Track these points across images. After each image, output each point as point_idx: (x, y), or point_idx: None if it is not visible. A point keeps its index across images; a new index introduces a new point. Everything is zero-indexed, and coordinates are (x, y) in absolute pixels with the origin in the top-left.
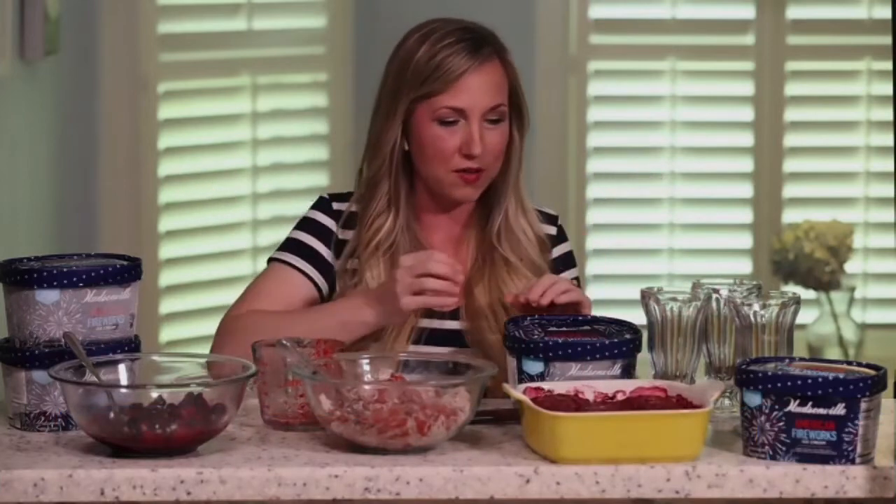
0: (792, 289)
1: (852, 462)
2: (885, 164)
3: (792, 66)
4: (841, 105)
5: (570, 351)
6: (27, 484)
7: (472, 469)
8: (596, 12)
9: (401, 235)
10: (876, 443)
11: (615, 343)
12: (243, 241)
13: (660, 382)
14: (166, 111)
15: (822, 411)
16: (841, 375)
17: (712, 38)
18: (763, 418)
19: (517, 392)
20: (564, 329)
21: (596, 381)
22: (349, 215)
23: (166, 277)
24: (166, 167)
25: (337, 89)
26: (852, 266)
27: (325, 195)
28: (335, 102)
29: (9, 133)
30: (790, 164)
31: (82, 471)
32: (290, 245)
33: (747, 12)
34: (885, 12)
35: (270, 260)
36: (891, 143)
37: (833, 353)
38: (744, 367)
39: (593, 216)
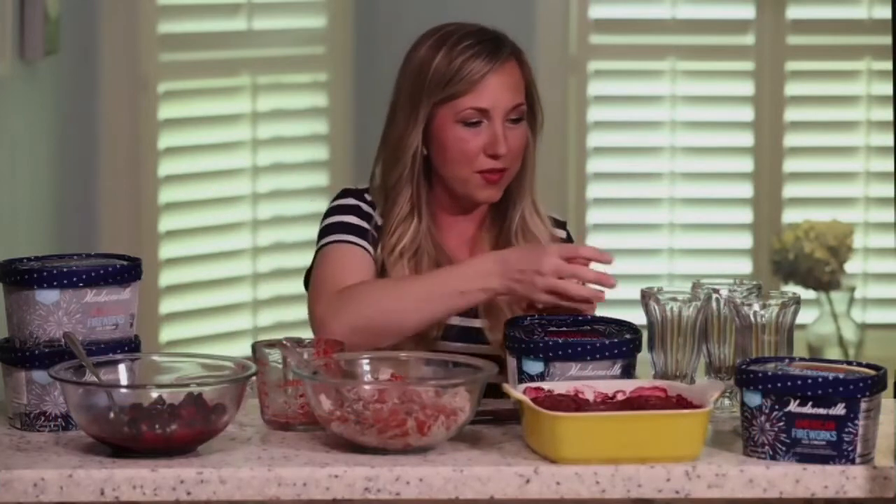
0: (792, 289)
1: (852, 462)
2: (885, 164)
3: (792, 66)
4: (841, 105)
5: (570, 351)
6: (27, 484)
7: (472, 469)
8: (596, 12)
9: (424, 240)
10: (876, 443)
11: (615, 343)
12: (243, 241)
13: (660, 382)
14: (166, 111)
15: (822, 411)
16: (841, 375)
17: (712, 38)
18: (763, 418)
19: (517, 392)
20: (564, 329)
21: (596, 381)
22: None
23: (166, 277)
24: (166, 167)
25: (337, 89)
26: (852, 266)
27: (352, 188)
28: (335, 102)
29: (9, 133)
30: (790, 164)
31: (82, 471)
32: (341, 228)
33: (747, 12)
34: (885, 12)
35: (324, 246)
36: (891, 143)
37: (833, 353)
38: (744, 367)
39: (593, 216)
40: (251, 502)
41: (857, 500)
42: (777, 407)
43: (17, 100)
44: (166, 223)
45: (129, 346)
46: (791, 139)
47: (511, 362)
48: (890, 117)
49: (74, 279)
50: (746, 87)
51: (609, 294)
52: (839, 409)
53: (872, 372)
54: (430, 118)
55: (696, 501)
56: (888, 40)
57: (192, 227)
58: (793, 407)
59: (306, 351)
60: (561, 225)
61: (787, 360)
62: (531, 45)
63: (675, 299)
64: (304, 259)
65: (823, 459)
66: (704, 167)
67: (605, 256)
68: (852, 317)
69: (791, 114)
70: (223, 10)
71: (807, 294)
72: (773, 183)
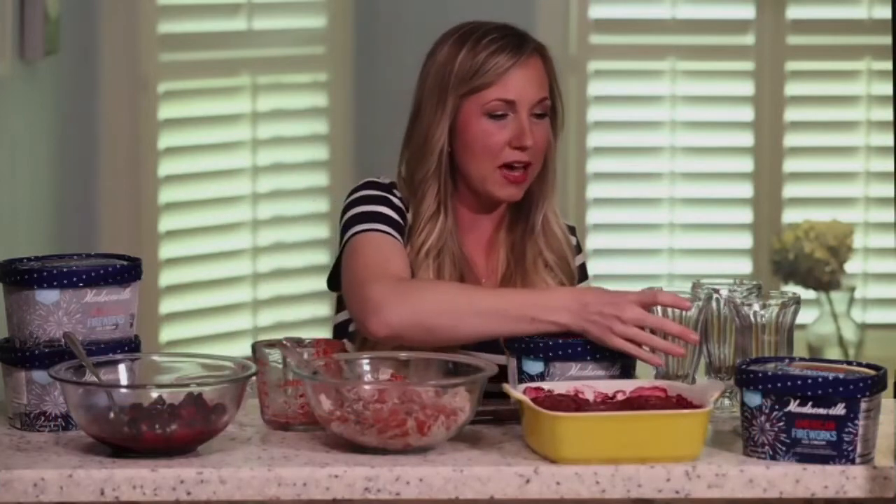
0: (792, 289)
1: (852, 462)
2: (885, 164)
3: (792, 66)
4: (841, 105)
5: (569, 351)
6: (27, 484)
7: (472, 469)
8: (596, 12)
9: (449, 239)
10: (876, 443)
11: None
12: (243, 241)
13: (660, 382)
14: (166, 111)
15: (822, 411)
16: (841, 375)
17: (712, 38)
18: (763, 418)
19: (517, 392)
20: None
21: (596, 381)
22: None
23: (166, 277)
24: (166, 167)
25: (337, 89)
26: (852, 266)
27: (377, 179)
28: (335, 102)
29: (9, 133)
30: (790, 164)
31: (82, 471)
32: (371, 217)
33: (747, 12)
34: (885, 12)
35: (354, 235)
36: (891, 143)
37: (833, 353)
38: (744, 367)
39: (593, 216)
40: (251, 502)
41: (857, 500)
42: (777, 407)
43: (17, 100)
44: (166, 223)
45: (129, 346)
46: (791, 139)
47: (511, 362)
48: (890, 117)
49: (74, 279)
50: (746, 87)
51: None
52: (839, 409)
53: (872, 372)
54: (455, 113)
55: (696, 501)
56: (888, 40)
57: (192, 227)
58: (793, 407)
59: (306, 351)
60: (571, 231)
61: (787, 360)
62: None
63: None
64: (305, 259)
65: (823, 459)
66: (704, 167)
67: (684, 304)
68: (852, 317)
69: (791, 114)
70: (223, 10)
71: (807, 294)
72: (773, 183)
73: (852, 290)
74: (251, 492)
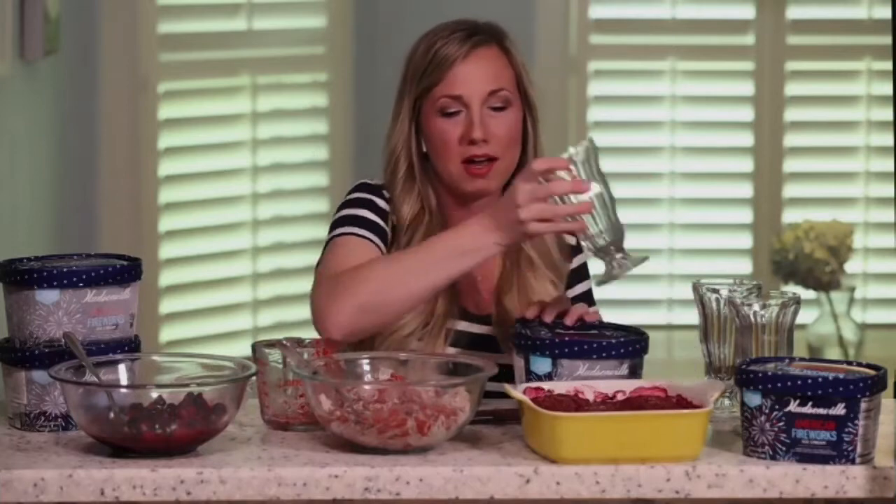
0: (792, 289)
1: (852, 462)
2: (885, 164)
3: (792, 66)
4: (841, 105)
5: (576, 349)
6: (27, 484)
7: (472, 469)
8: (596, 12)
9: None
10: (876, 443)
11: (622, 343)
12: (243, 241)
13: (660, 382)
14: (166, 111)
15: (822, 411)
16: (841, 375)
17: (712, 38)
18: (763, 418)
19: (517, 392)
20: (572, 331)
21: (599, 380)
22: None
23: (166, 277)
24: (166, 167)
25: (337, 89)
26: (852, 266)
27: (369, 181)
28: (335, 102)
29: (9, 133)
30: (790, 164)
31: (82, 471)
32: (352, 221)
33: (747, 12)
34: (885, 12)
35: (332, 238)
36: (891, 143)
37: (833, 353)
38: (744, 367)
39: None
40: (251, 502)
41: (857, 500)
42: (777, 407)
43: (17, 100)
44: (166, 223)
45: (129, 346)
46: (791, 139)
47: (518, 361)
48: (890, 117)
49: (74, 279)
50: (746, 87)
51: (609, 294)
52: (839, 409)
53: (872, 372)
54: (418, 115)
55: (696, 501)
56: (888, 40)
57: (192, 227)
58: (793, 407)
59: (306, 351)
60: None
61: (787, 360)
62: (531, 45)
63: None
64: (305, 259)
65: (823, 459)
66: (704, 167)
67: (560, 163)
68: (852, 317)
69: (791, 114)
70: (223, 10)
71: (807, 294)
72: (773, 183)
73: (852, 290)
74: (251, 492)
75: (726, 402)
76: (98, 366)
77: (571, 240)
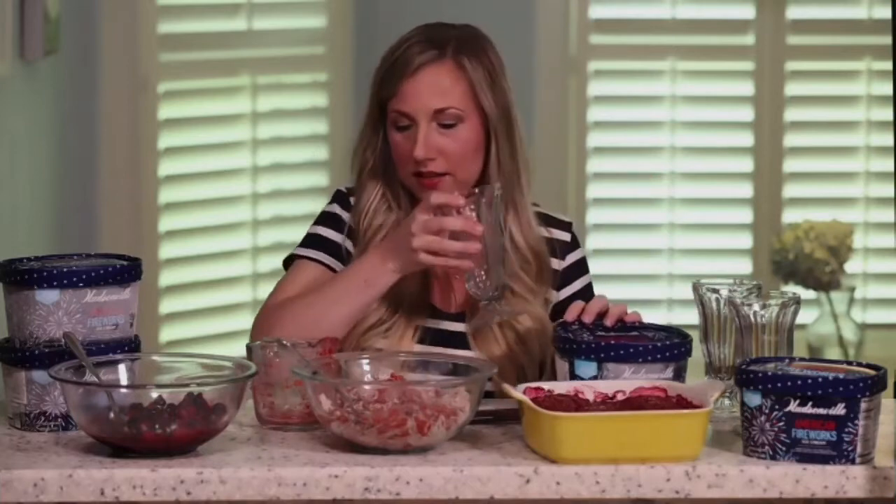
0: (792, 289)
1: (852, 462)
2: (885, 164)
3: (792, 66)
4: (841, 105)
5: (622, 353)
6: (27, 484)
7: (472, 469)
8: (596, 12)
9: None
10: (876, 443)
11: (668, 346)
12: (243, 241)
13: (660, 382)
14: (166, 111)
15: (822, 411)
16: (841, 375)
17: (712, 38)
18: (763, 418)
19: (517, 392)
20: (613, 334)
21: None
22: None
23: (166, 277)
24: (166, 167)
25: (337, 89)
26: (852, 266)
27: (343, 188)
28: (335, 102)
29: (9, 133)
30: (790, 164)
31: (82, 471)
32: (311, 241)
33: (747, 12)
34: (885, 12)
35: (293, 257)
36: (891, 143)
37: (833, 353)
38: (744, 367)
39: (593, 216)
40: (251, 502)
41: (857, 500)
42: (777, 407)
43: (17, 100)
44: (166, 223)
45: (129, 346)
46: (791, 139)
47: (562, 365)
48: (890, 117)
49: (74, 279)
50: (746, 87)
51: (609, 294)
52: (839, 409)
53: (872, 372)
54: (383, 124)
55: (696, 501)
56: (888, 40)
57: (192, 227)
58: (793, 407)
59: (306, 351)
60: (566, 227)
61: (787, 360)
62: (531, 45)
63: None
64: None
65: (823, 459)
66: (704, 167)
67: (454, 200)
68: (852, 317)
69: (791, 114)
70: (223, 10)
71: (807, 294)
72: (773, 183)
73: (852, 290)
74: (251, 492)
75: (726, 402)
76: (98, 366)
77: (566, 237)
